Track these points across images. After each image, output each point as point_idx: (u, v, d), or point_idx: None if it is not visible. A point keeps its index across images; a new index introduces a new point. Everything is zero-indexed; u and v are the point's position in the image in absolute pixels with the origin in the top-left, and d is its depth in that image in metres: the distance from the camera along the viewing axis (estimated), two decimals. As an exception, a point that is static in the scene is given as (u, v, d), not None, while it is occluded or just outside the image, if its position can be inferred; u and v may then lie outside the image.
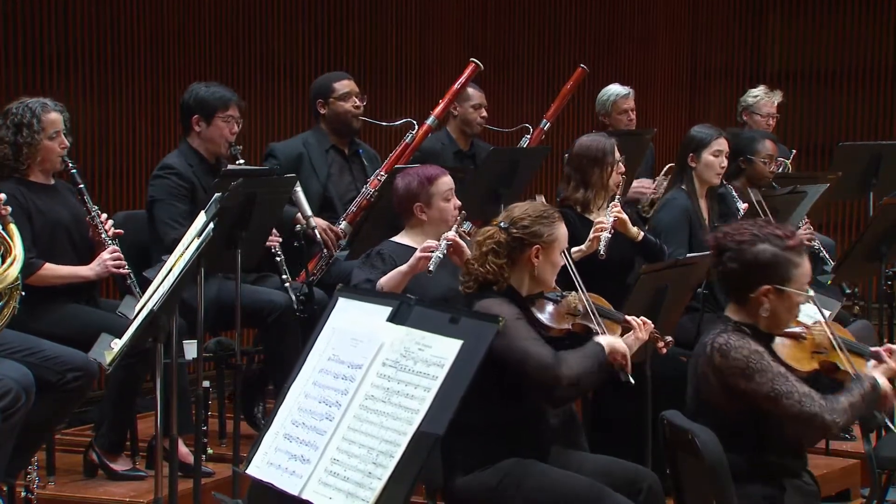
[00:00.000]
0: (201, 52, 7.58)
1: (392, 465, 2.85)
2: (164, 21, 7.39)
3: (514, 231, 4.24)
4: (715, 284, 5.53)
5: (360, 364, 3.06)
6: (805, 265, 3.86)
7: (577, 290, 4.34)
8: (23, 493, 4.81)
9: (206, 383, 5.04)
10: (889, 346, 4.05)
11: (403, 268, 4.81)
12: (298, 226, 5.85)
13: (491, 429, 4.13)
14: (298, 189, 5.78)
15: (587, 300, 4.33)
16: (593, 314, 4.31)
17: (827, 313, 4.23)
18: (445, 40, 9.05)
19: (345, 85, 6.33)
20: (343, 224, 6.10)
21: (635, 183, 7.16)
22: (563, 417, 4.36)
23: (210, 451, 5.42)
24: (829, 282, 6.69)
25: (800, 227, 6.83)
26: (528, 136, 7.36)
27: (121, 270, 5.16)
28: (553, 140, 8.16)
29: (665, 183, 7.04)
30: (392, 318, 3.09)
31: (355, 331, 3.15)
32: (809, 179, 6.76)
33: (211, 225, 4.23)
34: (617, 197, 5.63)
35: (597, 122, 7.89)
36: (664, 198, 6.34)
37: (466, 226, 5.99)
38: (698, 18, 10.79)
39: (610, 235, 5.44)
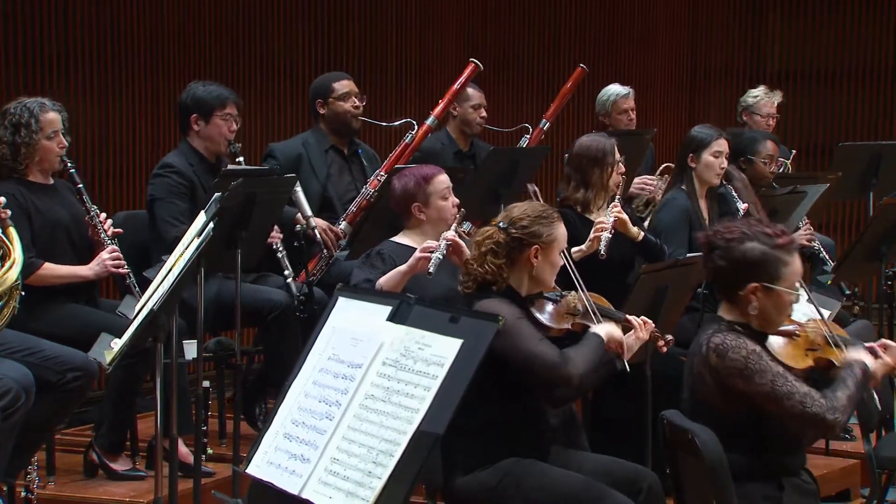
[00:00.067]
0: (201, 52, 7.58)
1: (392, 464, 2.85)
2: (164, 21, 7.39)
3: (513, 231, 4.24)
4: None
5: (360, 363, 3.06)
6: (795, 264, 3.86)
7: (576, 290, 4.34)
8: (23, 493, 4.81)
9: (206, 383, 5.04)
10: (884, 341, 4.05)
11: (403, 268, 4.80)
12: (298, 226, 5.85)
13: (491, 428, 4.13)
14: (298, 189, 5.78)
15: (587, 299, 4.33)
16: (594, 313, 4.31)
17: (826, 313, 4.23)
18: (445, 40, 9.05)
19: (344, 85, 6.33)
20: (343, 224, 6.10)
21: (637, 179, 7.16)
22: (563, 417, 4.36)
23: (210, 451, 5.42)
24: (829, 282, 6.69)
25: (800, 228, 6.85)
26: (528, 136, 7.35)
27: (120, 270, 5.16)
28: (553, 140, 8.16)
29: (659, 183, 7.05)
30: (392, 318, 3.09)
31: (355, 330, 3.15)
32: (809, 179, 6.77)
33: (211, 225, 4.23)
34: (617, 197, 5.64)
35: (597, 122, 7.89)
36: (664, 198, 6.34)
37: (466, 226, 5.99)
38: (698, 18, 10.79)
39: (610, 235, 5.45)
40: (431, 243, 4.82)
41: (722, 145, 6.12)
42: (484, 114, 7.12)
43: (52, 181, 5.29)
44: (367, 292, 3.96)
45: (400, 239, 5.04)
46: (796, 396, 3.74)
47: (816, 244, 7.02)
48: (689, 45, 10.79)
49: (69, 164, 5.20)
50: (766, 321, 3.88)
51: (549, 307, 4.30)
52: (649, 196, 7.13)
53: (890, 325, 7.16)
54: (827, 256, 7.07)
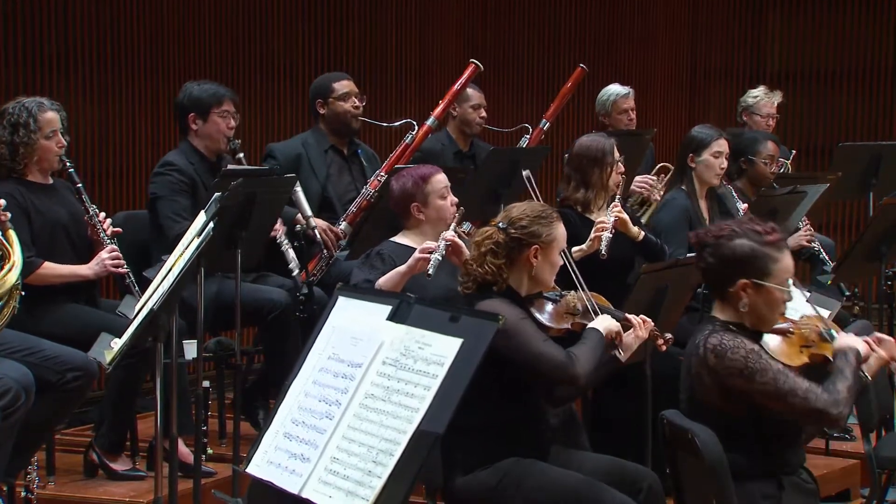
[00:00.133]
0: (201, 52, 7.58)
1: (392, 463, 2.85)
2: (164, 21, 7.39)
3: (513, 231, 4.24)
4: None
5: (360, 363, 3.06)
6: (785, 260, 3.85)
7: (576, 290, 4.34)
8: (23, 493, 4.81)
9: (206, 383, 5.03)
10: (877, 335, 4.03)
11: (402, 268, 4.80)
12: (298, 226, 5.85)
13: (491, 428, 4.13)
14: (298, 189, 5.77)
15: (587, 298, 4.33)
16: (594, 312, 4.31)
17: (826, 313, 4.22)
18: (445, 40, 9.05)
19: (344, 85, 6.33)
20: (343, 224, 6.10)
21: (638, 178, 7.15)
22: (563, 417, 4.36)
23: (210, 451, 5.42)
24: (829, 282, 6.68)
25: (800, 228, 6.85)
26: (528, 136, 7.35)
27: (119, 270, 5.16)
28: (553, 140, 8.16)
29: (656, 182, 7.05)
30: (392, 317, 3.09)
31: (355, 329, 3.15)
32: (809, 180, 6.76)
33: (211, 224, 4.23)
34: (617, 197, 5.64)
35: (597, 122, 7.89)
36: (664, 198, 6.34)
37: (466, 226, 5.99)
38: (698, 18, 10.78)
39: (611, 235, 5.45)
40: (430, 244, 4.82)
41: (722, 145, 6.13)
42: (484, 114, 7.12)
43: (51, 181, 5.29)
44: (367, 291, 3.95)
45: (399, 239, 5.04)
46: (799, 392, 3.74)
47: (816, 244, 7.02)
48: (689, 45, 10.78)
49: (68, 164, 5.21)
50: (758, 319, 3.88)
51: (549, 307, 4.30)
52: (647, 195, 7.12)
53: (890, 325, 7.16)
54: (827, 257, 7.07)
